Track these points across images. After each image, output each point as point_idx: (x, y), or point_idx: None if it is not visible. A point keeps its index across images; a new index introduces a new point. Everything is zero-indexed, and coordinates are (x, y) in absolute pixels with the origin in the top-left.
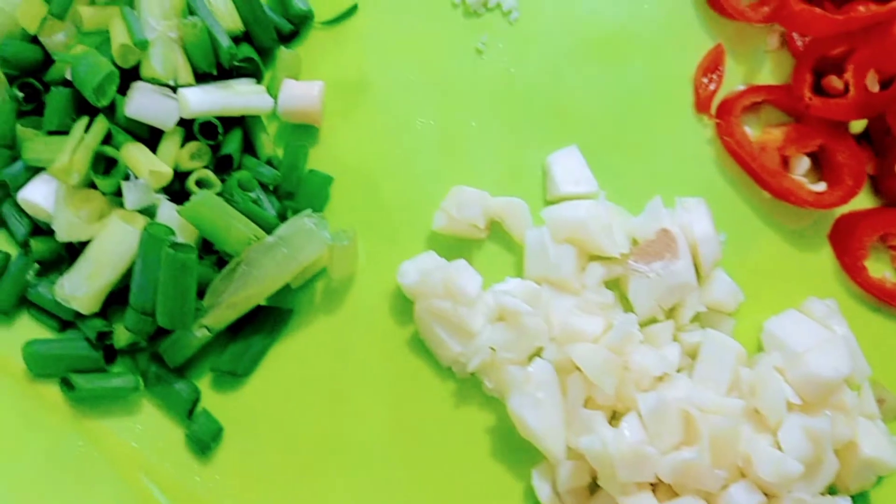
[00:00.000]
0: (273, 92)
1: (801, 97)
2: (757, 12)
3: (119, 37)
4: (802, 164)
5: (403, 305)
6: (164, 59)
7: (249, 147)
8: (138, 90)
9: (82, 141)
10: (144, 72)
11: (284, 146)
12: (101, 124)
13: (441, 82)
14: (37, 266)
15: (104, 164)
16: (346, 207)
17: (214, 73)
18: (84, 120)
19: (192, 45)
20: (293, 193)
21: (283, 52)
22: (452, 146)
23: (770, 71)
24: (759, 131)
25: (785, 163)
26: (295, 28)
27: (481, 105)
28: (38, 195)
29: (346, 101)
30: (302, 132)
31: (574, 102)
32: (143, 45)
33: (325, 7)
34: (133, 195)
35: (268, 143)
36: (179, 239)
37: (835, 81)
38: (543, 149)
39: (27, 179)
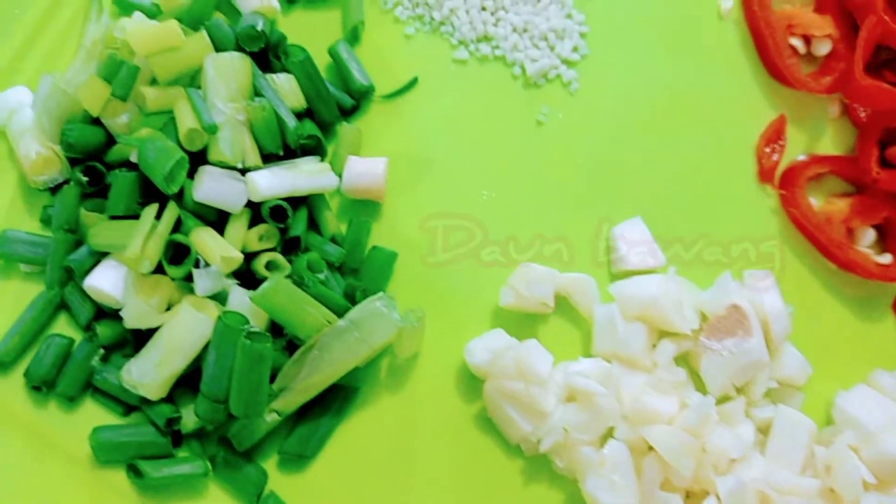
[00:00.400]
0: (335, 167)
1: (868, 171)
2: (819, 82)
3: (187, 121)
4: (868, 235)
5: (469, 382)
6: (233, 142)
7: (313, 223)
8: (207, 174)
9: (154, 229)
10: (212, 155)
11: (348, 222)
12: (172, 212)
13: (503, 154)
14: (102, 351)
15: (173, 250)
16: (410, 282)
17: (281, 153)
18: (153, 207)
19: (260, 127)
20: (357, 270)
21: (344, 128)
22: (515, 218)
23: (831, 139)
24: (823, 201)
25: (850, 234)
26: (356, 102)
27: (544, 177)
28: (105, 283)
29: (407, 174)
30: (364, 207)
31: (637, 172)
32: (212, 130)
33: (385, 80)
34: (204, 282)
35: (332, 219)
36: (254, 327)
37: None
38: (607, 220)
39: (92, 264)
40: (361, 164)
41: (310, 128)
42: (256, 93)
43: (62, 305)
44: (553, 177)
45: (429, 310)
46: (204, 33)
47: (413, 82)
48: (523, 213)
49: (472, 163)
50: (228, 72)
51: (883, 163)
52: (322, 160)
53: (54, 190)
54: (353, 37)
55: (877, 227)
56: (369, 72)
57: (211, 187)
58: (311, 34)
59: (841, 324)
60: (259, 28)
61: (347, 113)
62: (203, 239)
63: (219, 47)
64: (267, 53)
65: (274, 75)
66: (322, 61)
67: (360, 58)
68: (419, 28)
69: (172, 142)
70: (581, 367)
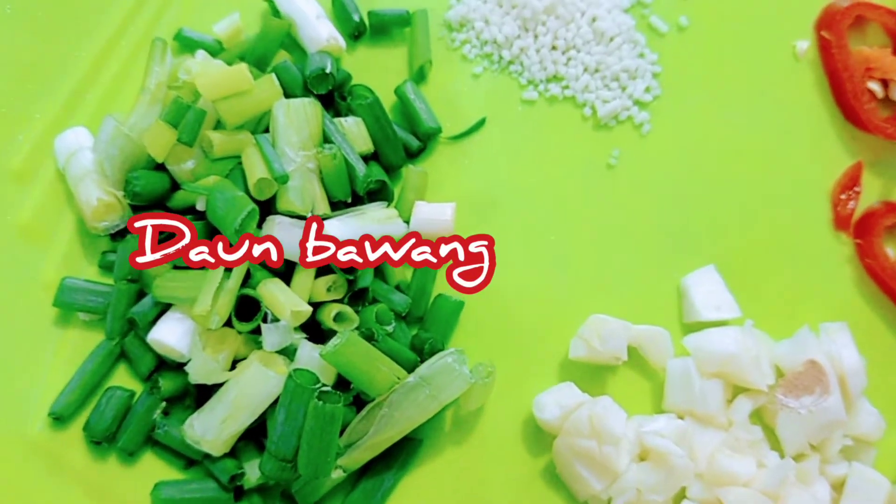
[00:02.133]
0: (402, 211)
1: None
2: None
3: (257, 170)
4: None
5: (536, 435)
6: (303, 191)
7: (378, 270)
8: (277, 225)
9: (223, 284)
10: (281, 205)
11: (413, 269)
12: (241, 266)
13: (571, 198)
14: (164, 404)
15: (241, 302)
16: (476, 331)
17: (349, 200)
18: None
19: (330, 176)
20: (423, 318)
21: (411, 171)
22: (584, 265)
23: None
24: None
25: None
26: (422, 144)
27: (614, 221)
28: (171, 337)
29: (474, 217)
30: None
31: (709, 219)
32: (283, 180)
33: (452, 120)
34: (273, 337)
35: (397, 268)
36: (324, 386)
37: None
38: (680, 268)
39: (156, 315)
40: (429, 209)
41: (377, 172)
42: (325, 139)
43: (122, 355)
44: (623, 222)
45: (494, 359)
46: (273, 77)
47: (481, 123)
48: (592, 259)
49: (539, 206)
50: (299, 118)
51: None
52: (389, 204)
53: (114, 235)
54: (420, 76)
55: None
56: (436, 111)
57: (281, 236)
58: (377, 72)
59: None
60: (328, 70)
61: (414, 154)
62: (272, 292)
63: (287, 89)
64: (332, 93)
65: (342, 119)
66: (388, 99)
67: (427, 96)
68: (487, 67)
69: (240, 190)
70: (656, 425)
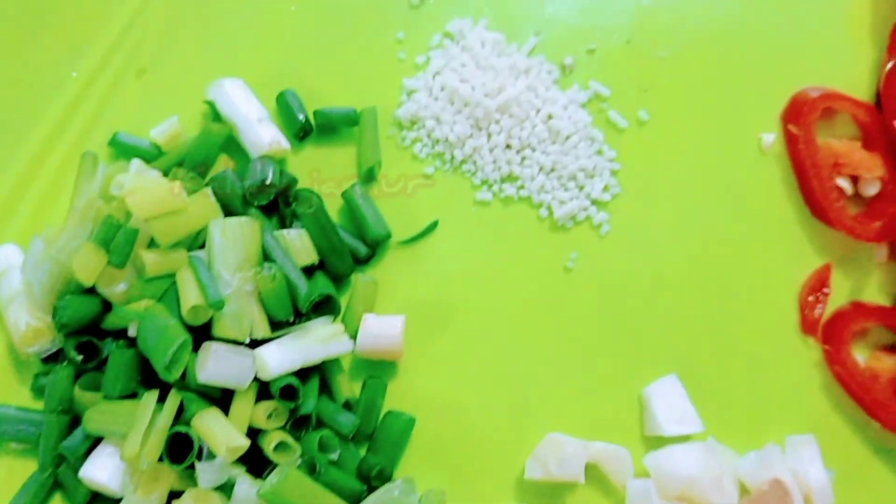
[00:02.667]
0: (349, 324)
1: None
2: (866, 228)
3: (190, 296)
4: None
5: None
6: (240, 316)
7: (324, 385)
8: (212, 354)
9: (154, 420)
10: (217, 331)
11: (362, 383)
12: (173, 401)
13: (529, 304)
14: None
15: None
16: (428, 449)
17: (291, 319)
18: (153, 394)
19: (269, 297)
20: (371, 435)
21: (359, 281)
22: (542, 375)
23: (878, 286)
24: (869, 354)
25: None
26: (371, 251)
27: (572, 328)
28: (102, 475)
29: (427, 326)
30: (380, 363)
31: (671, 324)
32: (218, 306)
33: (403, 223)
34: (208, 475)
35: (345, 383)
36: None
37: None
38: (641, 376)
39: (88, 448)
40: (377, 323)
41: (322, 284)
42: (266, 255)
43: (56, 485)
44: (581, 328)
45: (447, 479)
46: (208, 192)
47: (433, 226)
48: (549, 369)
49: (495, 313)
50: (236, 238)
51: None
52: (336, 317)
53: (46, 358)
54: (370, 176)
55: None
56: (386, 214)
57: (216, 366)
58: (324, 173)
59: (886, 487)
60: (268, 182)
61: (363, 261)
62: (207, 426)
63: (225, 203)
64: (277, 199)
65: (284, 231)
66: (337, 201)
67: (377, 198)
68: (439, 167)
69: (174, 315)
70: None
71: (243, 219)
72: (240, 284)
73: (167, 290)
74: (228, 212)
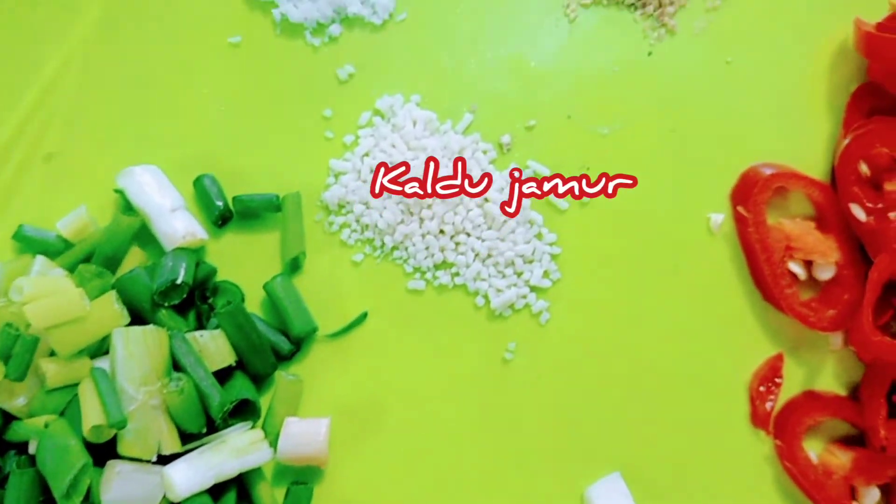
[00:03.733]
0: (270, 427)
1: (875, 433)
2: (820, 317)
3: (91, 414)
4: (872, 495)
5: None
6: (145, 433)
7: (243, 493)
8: (117, 475)
9: None
10: (122, 450)
11: (286, 489)
12: None
13: (464, 399)
14: None
15: None
16: None
17: (203, 431)
18: None
19: (178, 411)
20: None
21: (282, 380)
22: (479, 475)
23: (833, 373)
24: (822, 448)
25: (852, 490)
26: (295, 347)
27: (510, 424)
28: None
29: (355, 427)
30: (305, 468)
31: (615, 419)
32: (121, 425)
33: (330, 315)
34: None
35: (266, 491)
36: None
37: None
38: (583, 475)
39: None
40: (300, 428)
41: (239, 388)
42: (175, 362)
43: None
44: (520, 424)
45: None
46: (113, 297)
47: (362, 317)
48: (487, 469)
49: (428, 410)
50: (140, 349)
51: (892, 413)
52: (255, 423)
53: None
54: (294, 266)
55: (882, 487)
56: (312, 304)
57: (121, 488)
58: (246, 261)
59: None
60: (179, 281)
61: (286, 358)
62: None
63: (133, 304)
64: (193, 293)
65: (197, 334)
66: (259, 293)
67: (302, 288)
68: (369, 254)
69: (76, 432)
70: None
71: (148, 328)
72: (145, 399)
73: (71, 402)
74: (137, 314)
